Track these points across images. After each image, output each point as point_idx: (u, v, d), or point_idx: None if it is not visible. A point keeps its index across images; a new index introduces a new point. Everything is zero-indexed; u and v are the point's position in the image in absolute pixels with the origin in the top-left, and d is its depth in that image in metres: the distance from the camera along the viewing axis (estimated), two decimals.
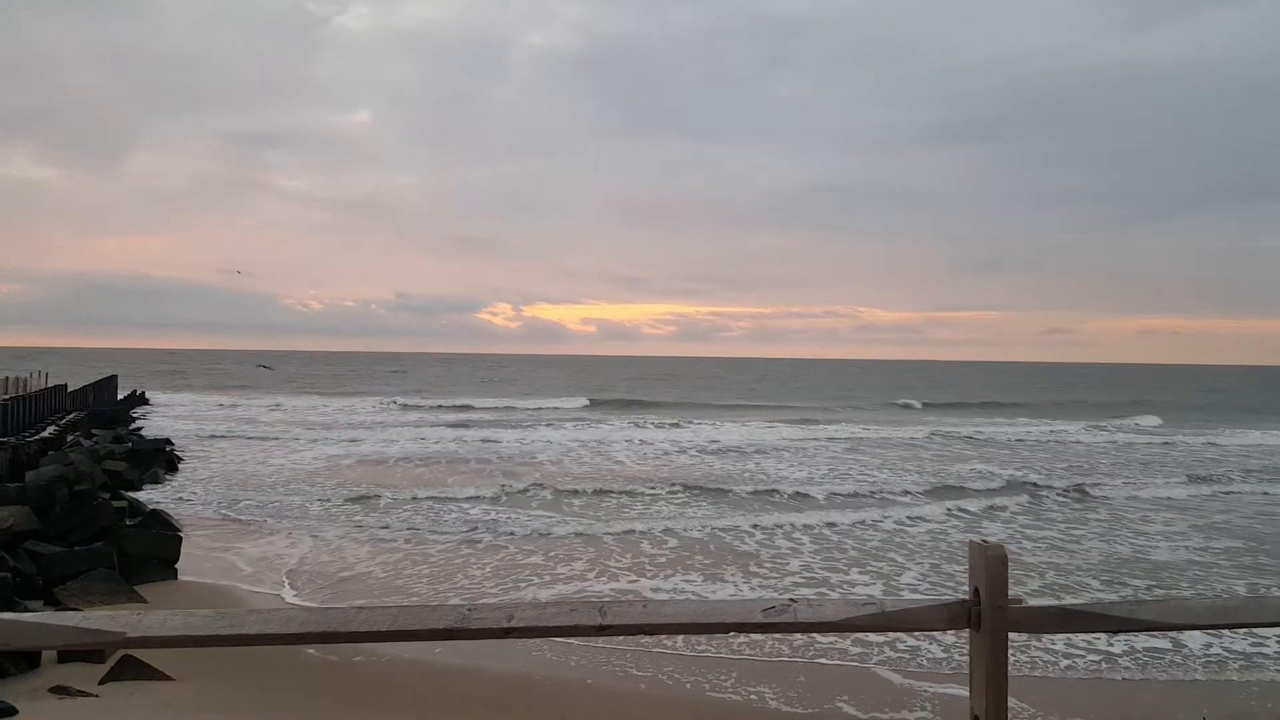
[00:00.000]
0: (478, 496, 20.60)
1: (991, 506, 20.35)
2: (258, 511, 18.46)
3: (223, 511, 18.39)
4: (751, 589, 12.84)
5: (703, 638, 9.69)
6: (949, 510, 19.82)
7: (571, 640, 9.32)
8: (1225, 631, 10.07)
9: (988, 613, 2.64)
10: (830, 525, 17.63)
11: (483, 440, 34.04)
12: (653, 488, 22.35)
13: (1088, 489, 23.20)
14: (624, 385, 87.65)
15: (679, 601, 3.30)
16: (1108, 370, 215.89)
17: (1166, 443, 38.58)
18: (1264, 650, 9.80)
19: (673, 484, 22.88)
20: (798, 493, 21.94)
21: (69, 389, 33.97)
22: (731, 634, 2.99)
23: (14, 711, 6.56)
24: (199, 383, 74.93)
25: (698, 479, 24.00)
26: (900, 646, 9.79)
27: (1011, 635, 2.68)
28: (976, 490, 23.04)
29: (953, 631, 2.77)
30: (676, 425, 42.77)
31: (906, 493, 22.33)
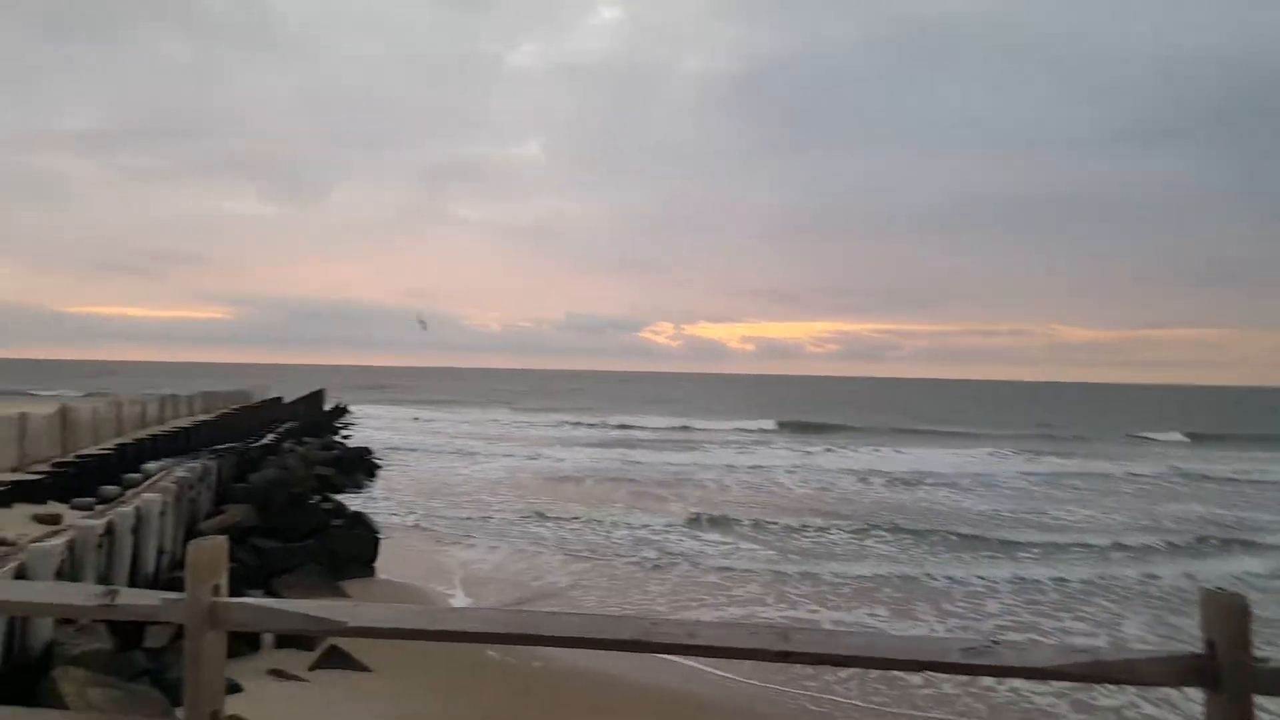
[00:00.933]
0: (653, 519, 20.78)
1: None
2: (445, 519, 19.49)
3: (414, 517, 19.54)
4: (948, 630, 12.01)
5: (884, 686, 9.18)
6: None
7: (741, 666, 9.15)
8: None
9: (1228, 670, 2.34)
10: (1034, 570, 16.11)
11: (659, 460, 34.39)
12: (839, 519, 21.48)
13: None
14: (800, 406, 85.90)
15: (868, 632, 3.17)
16: None
17: None
18: None
19: (865, 519, 21.34)
20: (1004, 539, 19.52)
21: (283, 401, 37.31)
22: (924, 673, 2.83)
23: (239, 689, 7.23)
24: (393, 397, 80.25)
25: (890, 511, 22.96)
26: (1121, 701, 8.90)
27: (1257, 699, 2.37)
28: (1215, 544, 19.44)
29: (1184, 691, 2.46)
30: (875, 450, 41.30)
31: (1149, 547, 19.01)
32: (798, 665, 8.76)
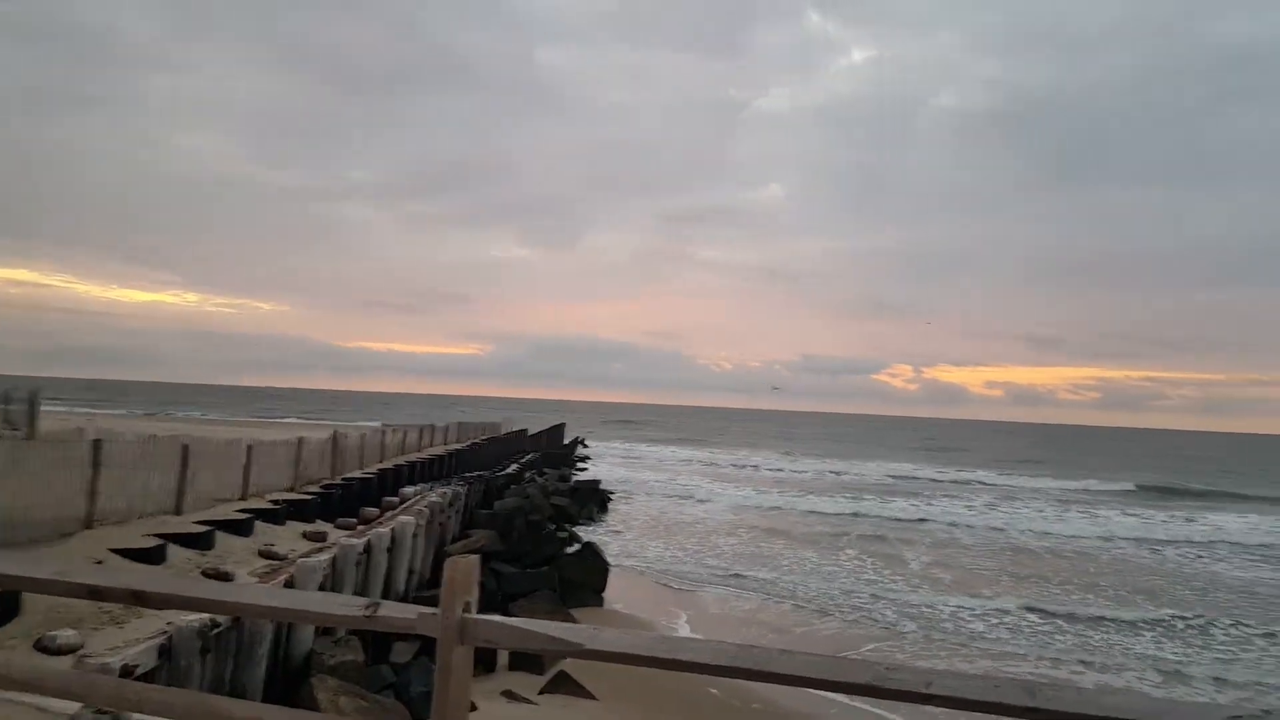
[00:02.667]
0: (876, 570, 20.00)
1: None
2: (671, 552, 19.83)
3: (642, 549, 20.04)
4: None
5: None
6: None
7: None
8: None
9: None
10: None
11: (945, 520, 32.51)
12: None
13: None
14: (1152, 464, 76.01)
15: (1126, 692, 2.91)
16: None
17: None
18: None
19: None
20: None
21: (528, 433, 39.69)
22: None
23: (473, 708, 7.71)
24: (625, 432, 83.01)
25: None
26: None
27: None
28: None
29: None
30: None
31: None
32: None
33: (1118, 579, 19.36)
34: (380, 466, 18.20)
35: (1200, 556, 23.72)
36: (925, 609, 15.20)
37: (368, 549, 9.81)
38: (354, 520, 12.96)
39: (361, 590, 9.51)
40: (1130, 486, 46.98)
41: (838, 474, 48.61)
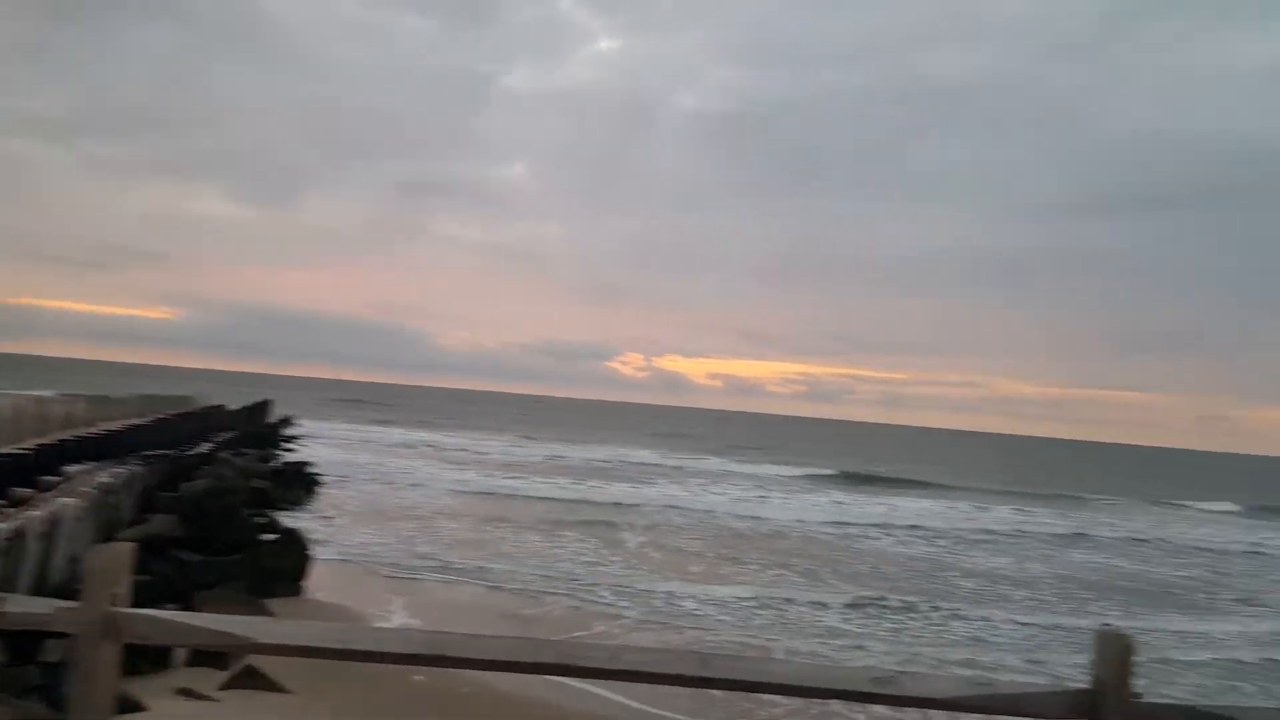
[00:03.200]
0: (586, 549, 20.75)
1: None
2: (386, 539, 19.25)
3: (353, 536, 19.26)
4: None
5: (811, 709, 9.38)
6: None
7: (679, 701, 9.20)
8: None
9: (1110, 705, 2.48)
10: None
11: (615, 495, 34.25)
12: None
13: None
14: (821, 449, 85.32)
15: (785, 661, 3.27)
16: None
17: None
18: None
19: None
20: None
21: (225, 409, 36.54)
22: (835, 701, 2.92)
23: (142, 708, 7.02)
24: (345, 412, 79.13)
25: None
26: None
27: None
28: None
29: None
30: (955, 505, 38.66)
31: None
32: (753, 702, 9.09)
33: (814, 557, 21.58)
34: (40, 442, 15.94)
35: (889, 536, 27.05)
36: (643, 590, 16.00)
37: (17, 535, 8.67)
38: (2, 502, 11.34)
39: (6, 583, 8.40)
40: (832, 472, 52.68)
41: (566, 458, 49.76)
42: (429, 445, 51.56)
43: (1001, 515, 35.55)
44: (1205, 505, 50.89)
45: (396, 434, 58.71)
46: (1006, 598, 18.46)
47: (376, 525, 21.35)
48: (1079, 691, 2.57)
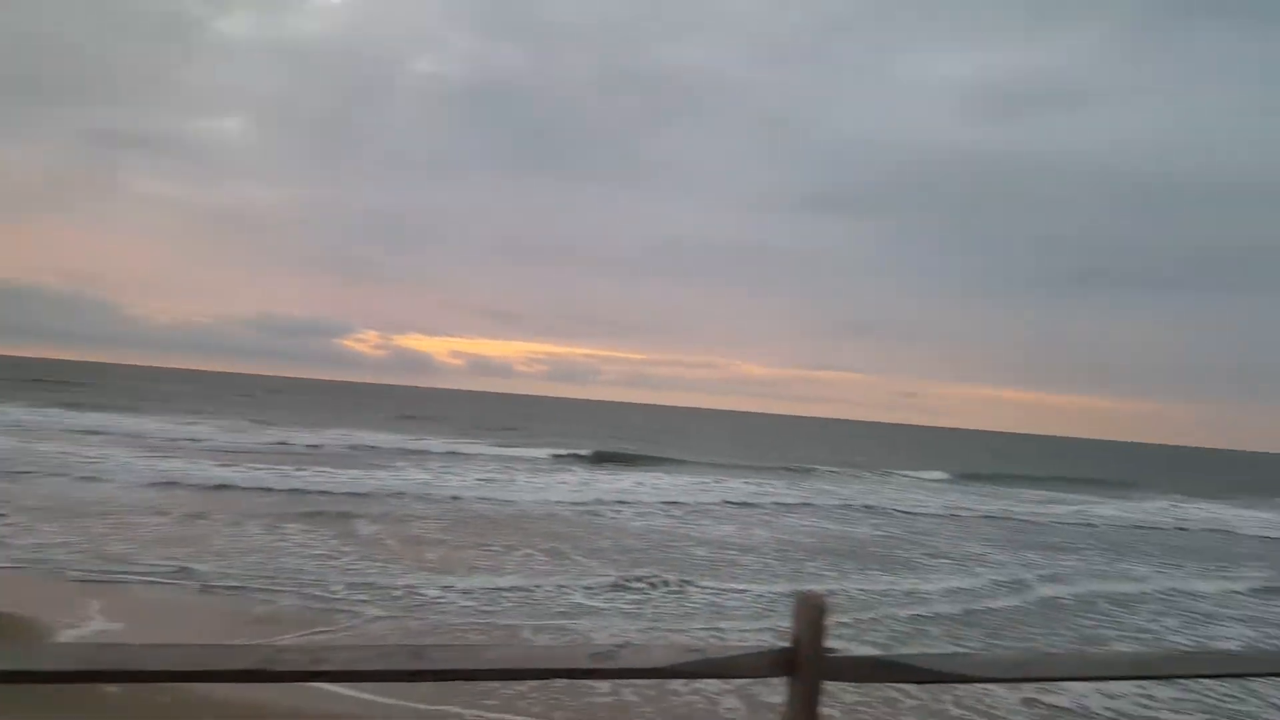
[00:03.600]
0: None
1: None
2: (69, 538, 17.15)
3: (27, 537, 16.99)
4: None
5: (565, 697, 9.55)
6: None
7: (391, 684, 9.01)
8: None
9: (805, 660, 2.74)
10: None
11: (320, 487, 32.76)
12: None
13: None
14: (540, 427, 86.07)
15: (502, 645, 3.28)
16: (949, 435, 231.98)
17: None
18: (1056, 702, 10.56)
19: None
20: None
21: None
22: (558, 679, 2.98)
23: None
24: (20, 393, 69.29)
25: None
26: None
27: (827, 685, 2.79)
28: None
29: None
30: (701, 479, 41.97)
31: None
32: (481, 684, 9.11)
33: (560, 537, 21.93)
34: None
35: (631, 511, 28.03)
36: (381, 583, 15.46)
37: None
38: None
39: None
40: (580, 451, 53.71)
41: (291, 444, 46.82)
42: (128, 432, 46.50)
43: (734, 487, 38.23)
44: (919, 474, 57.60)
45: (88, 418, 52.38)
46: (735, 563, 19.91)
47: (61, 524, 18.96)
48: (780, 650, 2.81)
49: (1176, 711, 10.68)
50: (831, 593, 16.66)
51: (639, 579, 17.06)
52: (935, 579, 19.52)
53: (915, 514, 33.97)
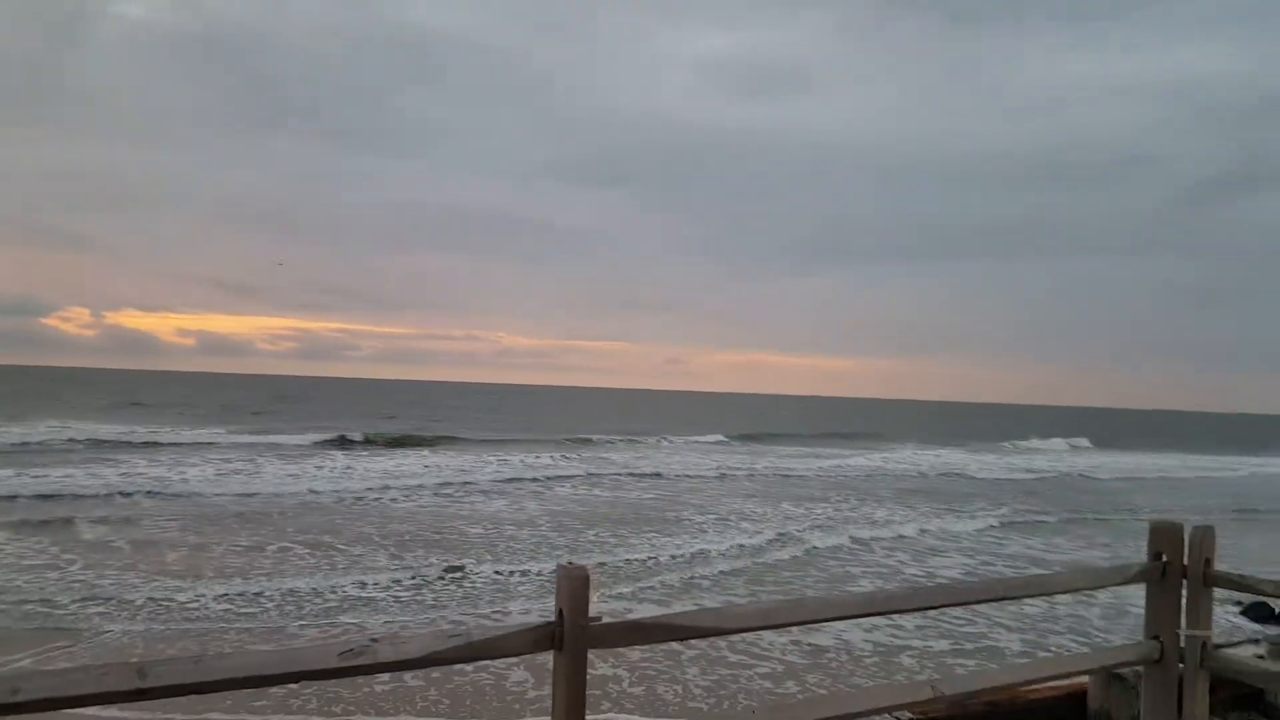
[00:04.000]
0: None
1: None
2: None
3: None
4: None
5: (344, 690, 9.15)
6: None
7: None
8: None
9: (569, 633, 2.77)
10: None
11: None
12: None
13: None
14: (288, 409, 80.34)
15: (237, 654, 3.06)
16: (706, 398, 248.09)
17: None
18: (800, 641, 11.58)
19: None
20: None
21: None
22: (306, 683, 2.82)
23: None
24: None
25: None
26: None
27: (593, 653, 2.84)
28: None
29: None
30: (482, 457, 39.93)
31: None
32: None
33: (319, 528, 20.83)
34: None
35: (395, 493, 27.16)
36: (112, 595, 14.00)
37: None
38: None
39: None
40: (340, 436, 51.09)
41: None
42: None
43: (510, 460, 38.16)
44: (695, 438, 60.05)
45: None
46: (513, 538, 19.90)
47: None
48: (543, 625, 2.82)
49: (923, 639, 11.99)
50: (603, 565, 17.10)
51: (412, 565, 16.65)
52: (707, 538, 20.58)
53: (690, 476, 35.56)
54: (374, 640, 2.67)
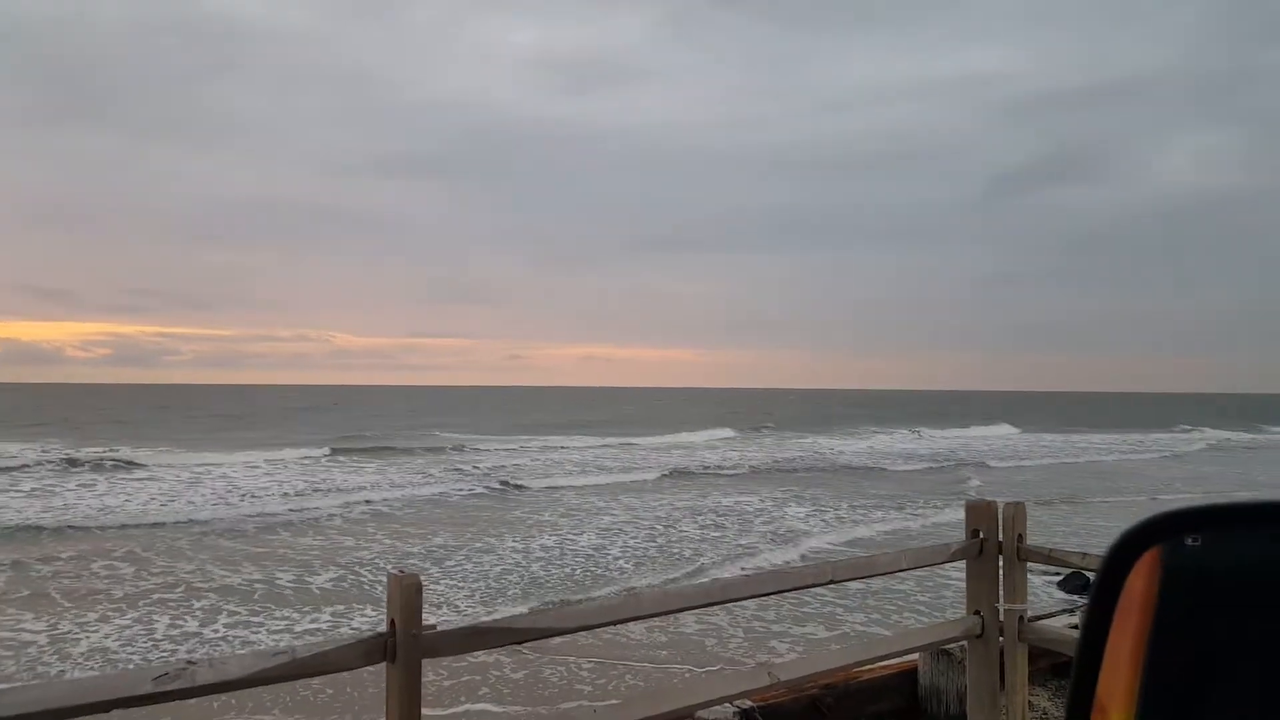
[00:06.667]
0: None
1: None
2: None
3: None
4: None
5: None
6: None
7: None
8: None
9: (402, 642, 2.78)
10: None
11: None
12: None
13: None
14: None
15: (41, 684, 2.92)
16: (553, 392, 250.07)
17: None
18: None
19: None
20: None
21: None
22: (115, 711, 2.71)
23: None
24: None
25: None
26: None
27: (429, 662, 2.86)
28: None
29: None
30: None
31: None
32: None
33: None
34: None
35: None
36: None
37: None
38: None
39: None
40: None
41: None
42: None
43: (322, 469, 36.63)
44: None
45: None
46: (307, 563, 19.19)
47: None
48: (375, 636, 2.82)
49: (800, 622, 12.49)
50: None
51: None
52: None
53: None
54: (191, 663, 2.60)
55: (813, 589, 8.11)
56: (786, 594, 13.04)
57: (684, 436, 57.53)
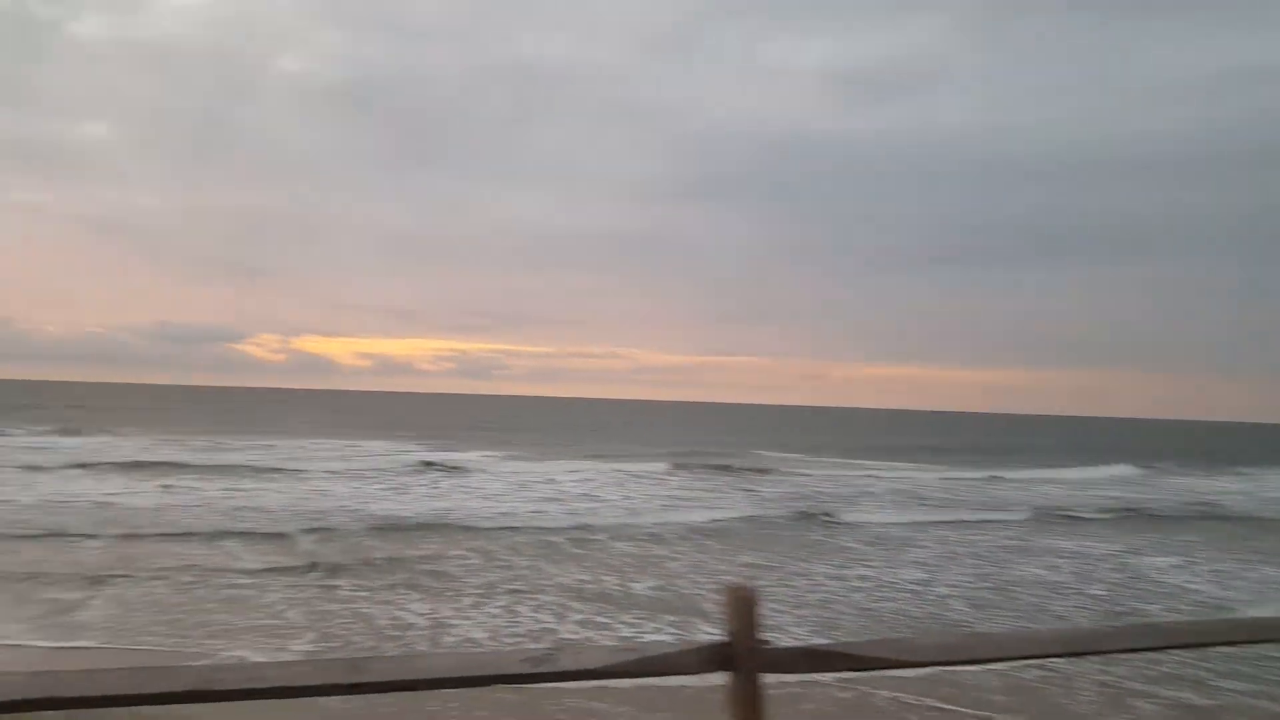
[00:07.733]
0: None
1: None
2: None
3: None
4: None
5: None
6: None
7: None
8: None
9: (741, 654, 2.94)
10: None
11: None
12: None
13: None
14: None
15: (438, 654, 3.42)
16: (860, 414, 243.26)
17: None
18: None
19: None
20: None
21: None
22: (495, 686, 3.12)
23: None
24: None
25: None
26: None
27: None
28: None
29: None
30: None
31: None
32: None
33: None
34: None
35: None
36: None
37: None
38: None
39: None
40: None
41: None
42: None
43: (685, 479, 38.24)
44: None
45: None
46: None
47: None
48: (715, 644, 3.02)
49: (1157, 681, 11.28)
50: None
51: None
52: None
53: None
54: (555, 649, 2.95)
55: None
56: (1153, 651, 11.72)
57: (1067, 473, 49.00)
